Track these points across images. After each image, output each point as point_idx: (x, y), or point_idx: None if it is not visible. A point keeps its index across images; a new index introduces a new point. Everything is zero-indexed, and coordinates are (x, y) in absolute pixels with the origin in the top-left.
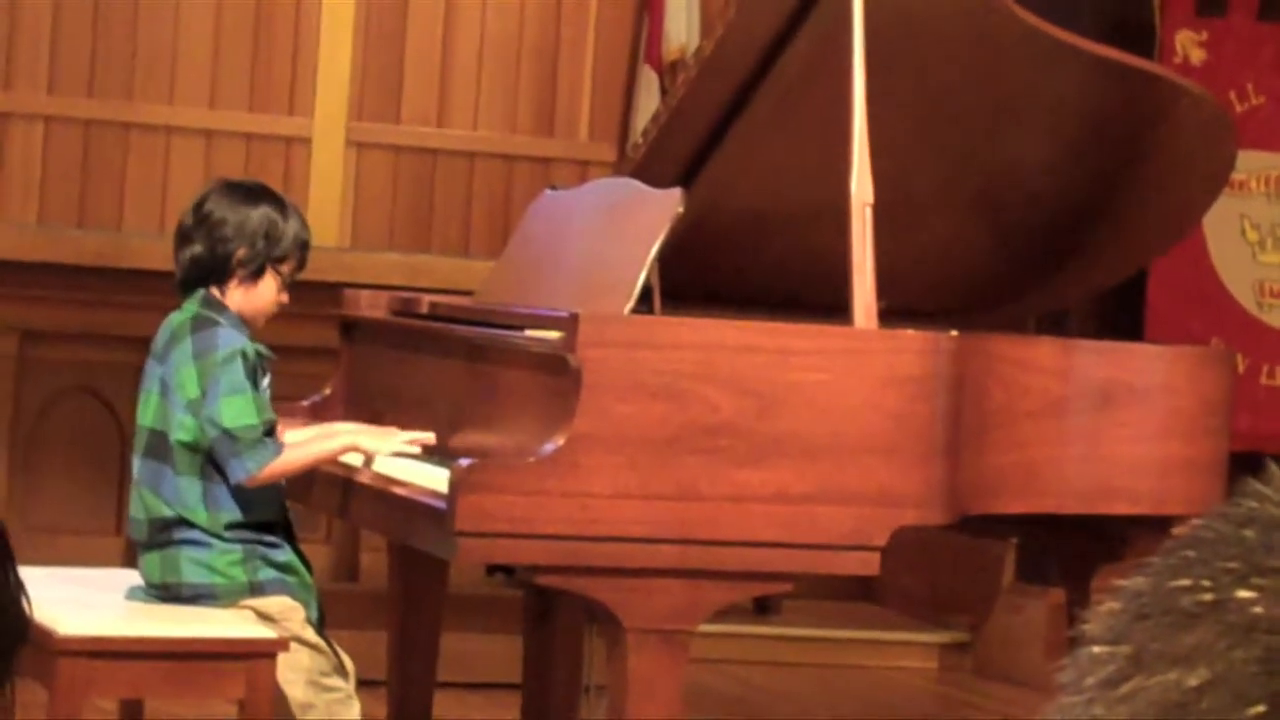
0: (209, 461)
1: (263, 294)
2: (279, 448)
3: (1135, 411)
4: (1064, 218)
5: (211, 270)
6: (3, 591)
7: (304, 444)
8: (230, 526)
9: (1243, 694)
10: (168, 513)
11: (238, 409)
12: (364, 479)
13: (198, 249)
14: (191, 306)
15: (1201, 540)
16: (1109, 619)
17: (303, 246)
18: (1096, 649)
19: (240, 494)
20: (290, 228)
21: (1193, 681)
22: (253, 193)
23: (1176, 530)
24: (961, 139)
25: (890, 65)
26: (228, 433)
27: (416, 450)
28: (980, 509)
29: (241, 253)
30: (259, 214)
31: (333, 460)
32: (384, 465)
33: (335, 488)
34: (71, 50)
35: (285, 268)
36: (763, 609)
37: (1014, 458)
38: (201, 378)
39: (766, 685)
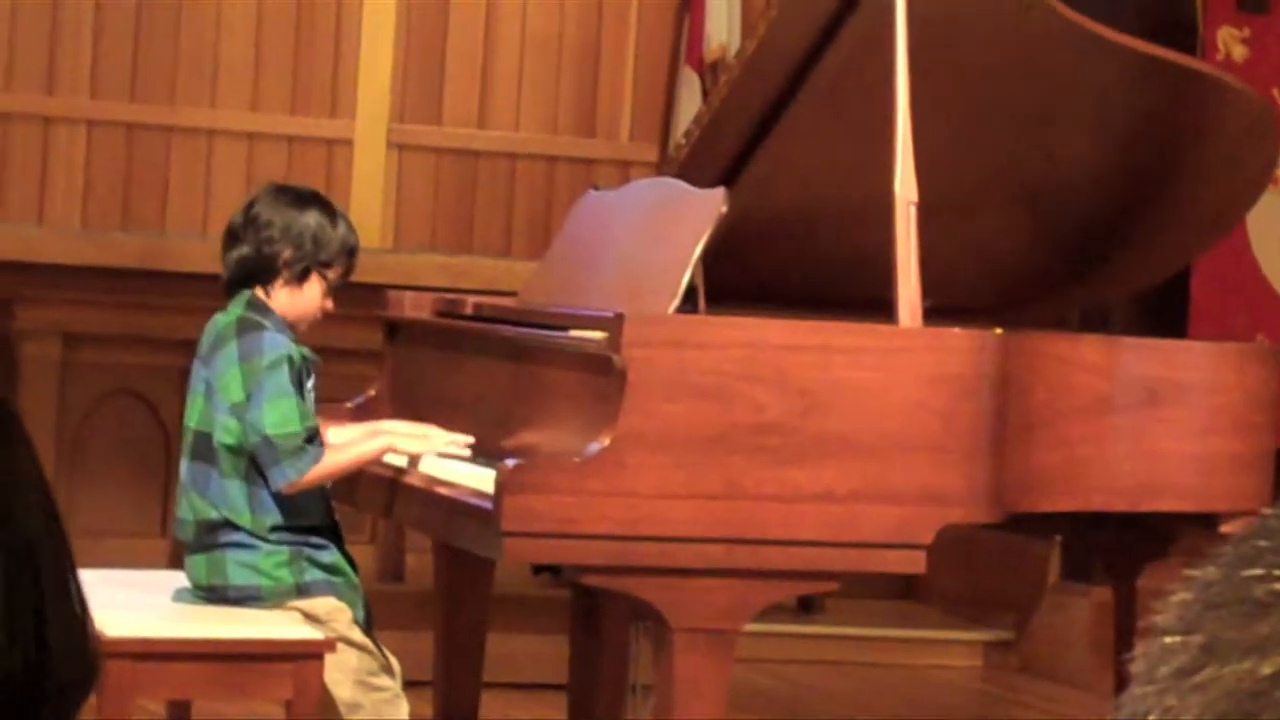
0: (253, 465)
1: (308, 297)
2: (319, 454)
3: (1180, 408)
4: (1107, 214)
5: (257, 271)
6: (62, 607)
7: (344, 447)
8: (275, 529)
9: None
10: (213, 515)
11: (281, 415)
12: (410, 480)
13: (244, 249)
14: (236, 309)
15: (1273, 529)
16: (1180, 609)
17: (350, 253)
18: (1168, 639)
19: (283, 498)
20: (338, 233)
21: (1266, 670)
22: (302, 198)
23: (1237, 524)
24: (1004, 136)
25: (932, 62)
26: (269, 439)
27: (459, 451)
28: (1025, 507)
29: (287, 254)
30: (307, 217)
31: (375, 461)
32: (430, 465)
33: (381, 489)
34: (113, 55)
35: (331, 273)
36: (807, 608)
37: (1059, 455)
38: (246, 381)
39: (811, 684)
